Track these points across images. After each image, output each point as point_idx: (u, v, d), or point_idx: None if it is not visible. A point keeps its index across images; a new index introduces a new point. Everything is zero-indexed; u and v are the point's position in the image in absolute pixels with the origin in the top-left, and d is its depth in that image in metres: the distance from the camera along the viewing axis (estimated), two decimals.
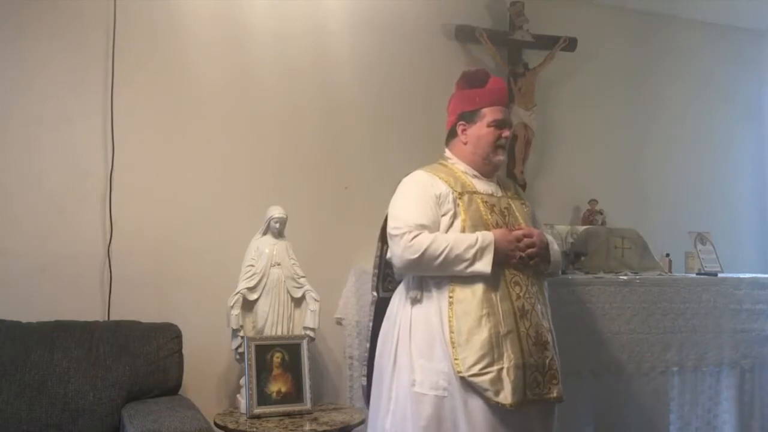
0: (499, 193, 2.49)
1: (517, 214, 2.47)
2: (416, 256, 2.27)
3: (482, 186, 2.45)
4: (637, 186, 4.21)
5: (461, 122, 2.50)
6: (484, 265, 2.26)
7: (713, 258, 3.64)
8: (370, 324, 2.65)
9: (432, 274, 2.32)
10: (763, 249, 4.52)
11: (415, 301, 2.36)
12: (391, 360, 2.37)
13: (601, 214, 3.79)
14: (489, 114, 2.44)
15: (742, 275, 3.52)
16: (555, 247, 2.45)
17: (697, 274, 3.57)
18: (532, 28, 3.77)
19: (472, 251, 2.26)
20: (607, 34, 4.14)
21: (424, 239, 2.28)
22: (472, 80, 2.54)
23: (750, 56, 4.55)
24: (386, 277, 2.63)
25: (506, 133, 2.46)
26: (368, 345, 2.62)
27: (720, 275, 3.48)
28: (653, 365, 3.18)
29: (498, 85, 2.52)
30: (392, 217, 2.38)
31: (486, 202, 2.41)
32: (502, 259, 2.29)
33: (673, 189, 4.28)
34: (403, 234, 2.30)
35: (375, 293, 2.68)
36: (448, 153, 2.56)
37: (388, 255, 2.46)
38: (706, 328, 3.28)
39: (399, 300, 2.44)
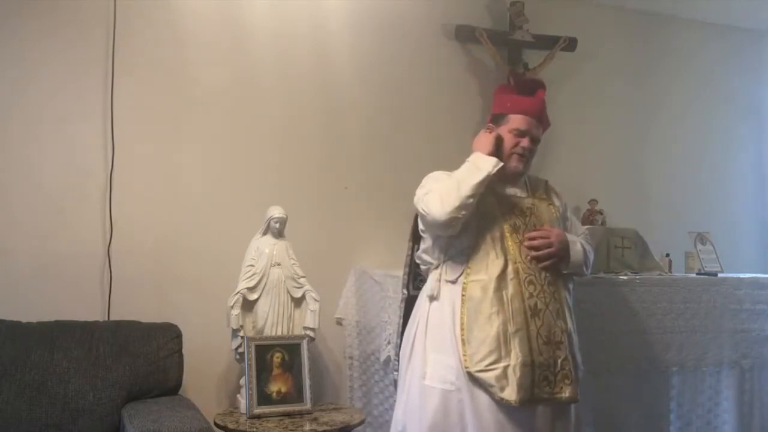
0: (524, 194, 2.49)
1: (542, 214, 2.46)
2: (436, 203, 2.29)
3: (503, 187, 2.46)
4: (637, 186, 4.21)
5: (490, 124, 2.52)
6: (487, 163, 2.30)
7: (713, 258, 3.63)
8: (400, 321, 2.73)
9: (461, 211, 2.27)
10: (763, 249, 4.51)
11: (432, 299, 2.41)
12: (407, 353, 2.44)
13: (601, 214, 3.78)
14: (513, 121, 2.44)
15: (742, 275, 3.51)
16: (577, 247, 2.43)
17: (697, 274, 3.56)
18: (532, 28, 3.76)
19: (469, 166, 2.33)
20: (607, 34, 4.14)
21: (434, 192, 2.32)
22: (520, 85, 2.54)
23: (750, 56, 4.54)
24: (417, 276, 2.74)
25: (524, 142, 2.43)
26: (399, 341, 2.68)
27: (720, 275, 3.47)
28: (653, 365, 3.17)
29: (536, 96, 2.51)
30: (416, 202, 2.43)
31: (505, 202, 2.42)
32: (495, 148, 2.36)
33: (673, 189, 4.28)
34: (420, 200, 2.37)
35: (405, 291, 2.76)
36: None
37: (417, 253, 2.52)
38: (706, 328, 3.27)
39: (421, 297, 2.50)
